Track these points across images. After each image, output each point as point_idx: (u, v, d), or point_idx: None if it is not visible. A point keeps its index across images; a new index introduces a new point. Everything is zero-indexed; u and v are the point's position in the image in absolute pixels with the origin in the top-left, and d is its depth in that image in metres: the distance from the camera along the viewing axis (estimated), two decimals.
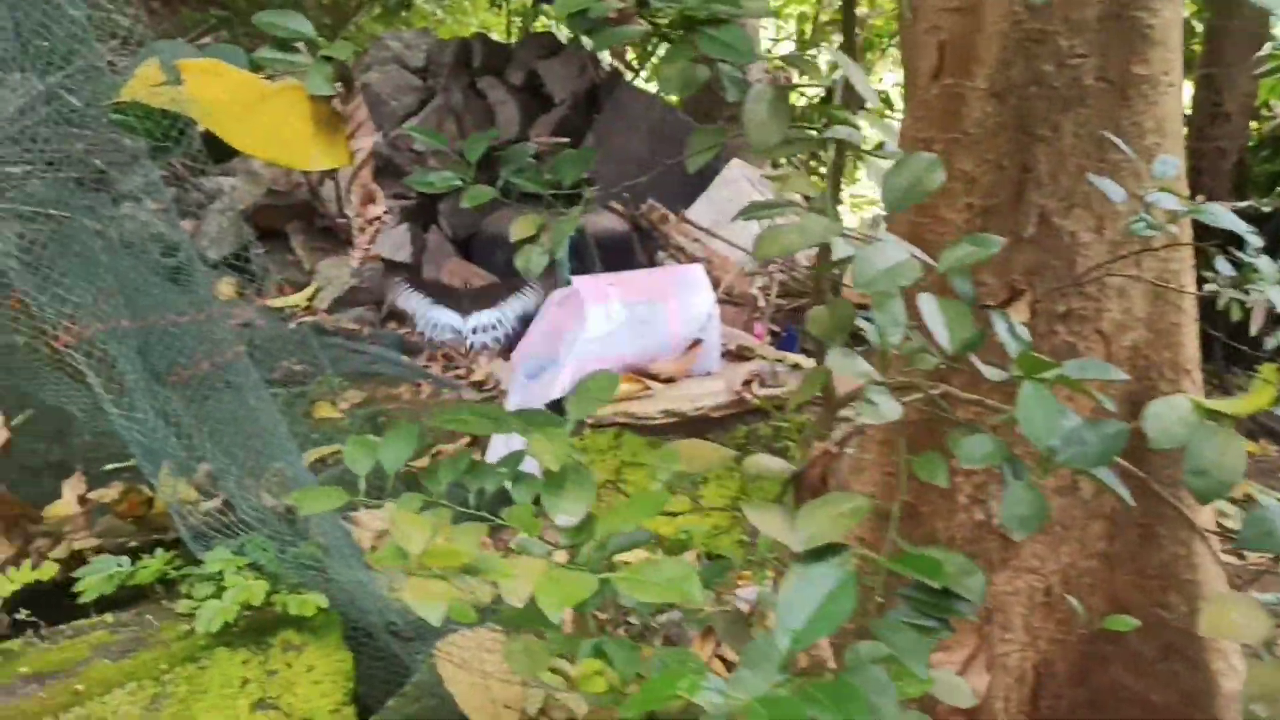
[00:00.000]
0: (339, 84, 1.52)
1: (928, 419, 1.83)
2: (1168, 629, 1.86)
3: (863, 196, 8.85)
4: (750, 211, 1.23)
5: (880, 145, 1.44)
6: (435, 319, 5.04)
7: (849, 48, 5.98)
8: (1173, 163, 1.52)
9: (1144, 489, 1.86)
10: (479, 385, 4.62)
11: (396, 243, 5.39)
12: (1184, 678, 1.86)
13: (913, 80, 1.96)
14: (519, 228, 1.46)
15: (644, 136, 5.71)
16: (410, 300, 5.10)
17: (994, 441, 1.14)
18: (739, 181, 5.62)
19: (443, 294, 5.08)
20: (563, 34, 6.63)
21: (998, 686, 1.97)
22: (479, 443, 4.01)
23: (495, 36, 7.94)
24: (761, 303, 5.24)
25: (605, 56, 6.80)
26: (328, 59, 1.49)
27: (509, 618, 1.24)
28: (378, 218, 1.62)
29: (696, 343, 3.39)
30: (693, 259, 5.25)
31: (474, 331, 4.98)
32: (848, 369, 1.09)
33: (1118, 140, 1.66)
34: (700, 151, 1.45)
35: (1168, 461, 1.84)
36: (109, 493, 2.51)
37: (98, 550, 2.31)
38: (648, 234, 5.47)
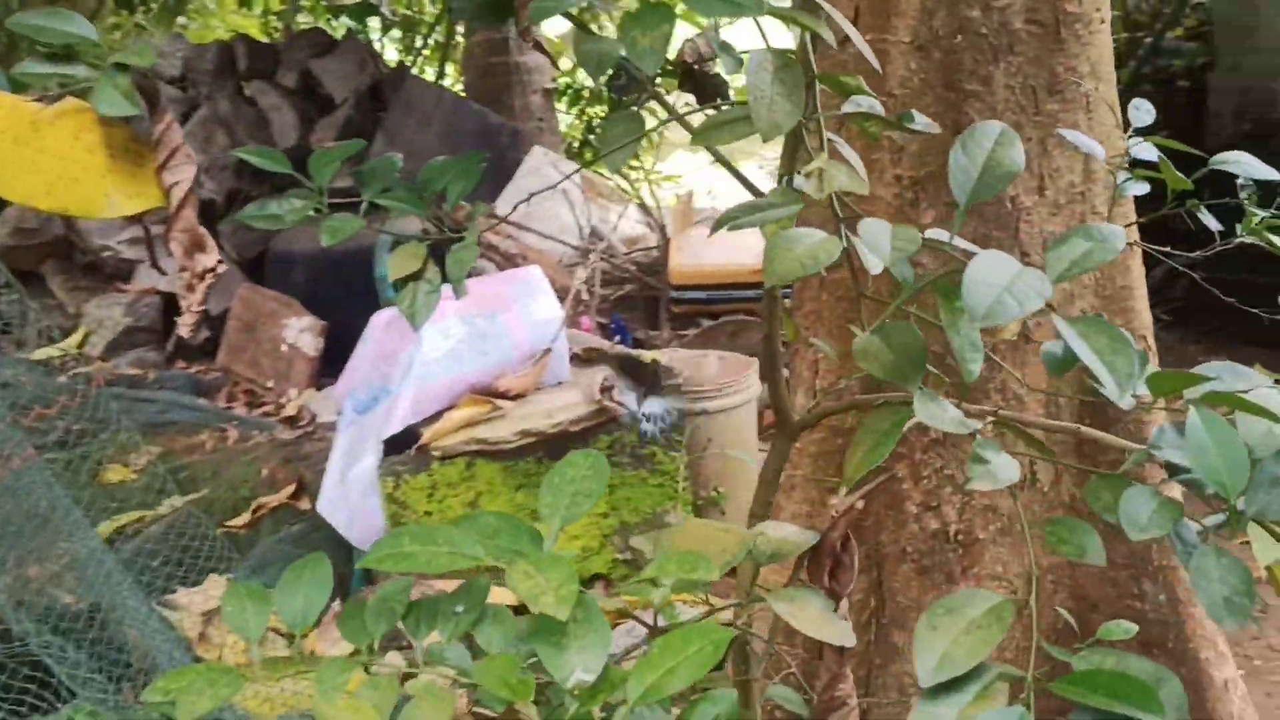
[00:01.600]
0: (141, 101, 1.13)
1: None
2: (1145, 621, 1.70)
3: (665, 174, 8.65)
4: (735, 217, 0.94)
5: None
6: None
7: None
8: (1146, 108, 1.33)
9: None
10: (292, 421, 4.17)
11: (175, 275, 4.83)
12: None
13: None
14: (400, 262, 1.13)
15: (437, 132, 5.32)
16: None
17: (1159, 498, 0.90)
18: (543, 169, 5.32)
19: None
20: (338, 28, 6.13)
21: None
22: (304, 487, 3.59)
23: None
24: (585, 295, 4.96)
25: (388, 50, 6.34)
26: (122, 67, 1.10)
27: None
28: (210, 269, 1.25)
29: (545, 352, 3.08)
30: (507, 256, 4.92)
31: None
32: (939, 418, 0.83)
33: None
34: (619, 145, 1.15)
35: (1131, 435, 1.67)
36: None
37: None
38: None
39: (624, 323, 4.90)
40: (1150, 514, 0.88)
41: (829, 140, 1.02)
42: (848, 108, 1.01)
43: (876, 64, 1.15)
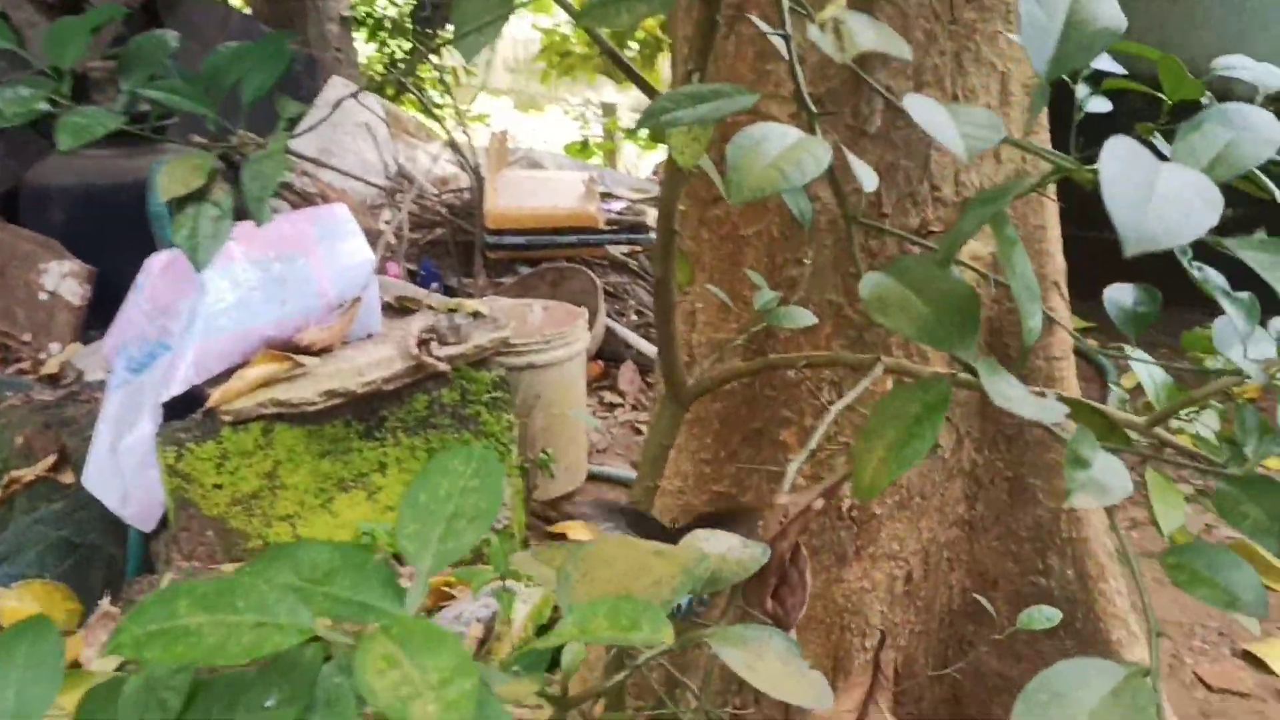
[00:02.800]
0: None
1: (750, 395, 1.35)
2: (1051, 599, 1.53)
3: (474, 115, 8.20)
4: (665, 110, 0.66)
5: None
6: None
7: None
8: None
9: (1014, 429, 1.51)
10: (53, 381, 3.65)
11: None
12: (1075, 654, 1.54)
13: None
14: (176, 177, 0.80)
15: None
16: None
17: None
18: (345, 101, 4.86)
19: None
20: None
21: (851, 699, 1.57)
22: (67, 457, 3.11)
23: None
24: (392, 239, 4.57)
25: None
26: None
27: None
28: None
29: (354, 301, 2.72)
30: (304, 196, 4.47)
31: None
32: (1015, 400, 0.58)
33: None
34: (477, 26, 0.86)
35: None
36: None
37: None
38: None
39: (436, 269, 4.55)
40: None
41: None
42: None
43: None
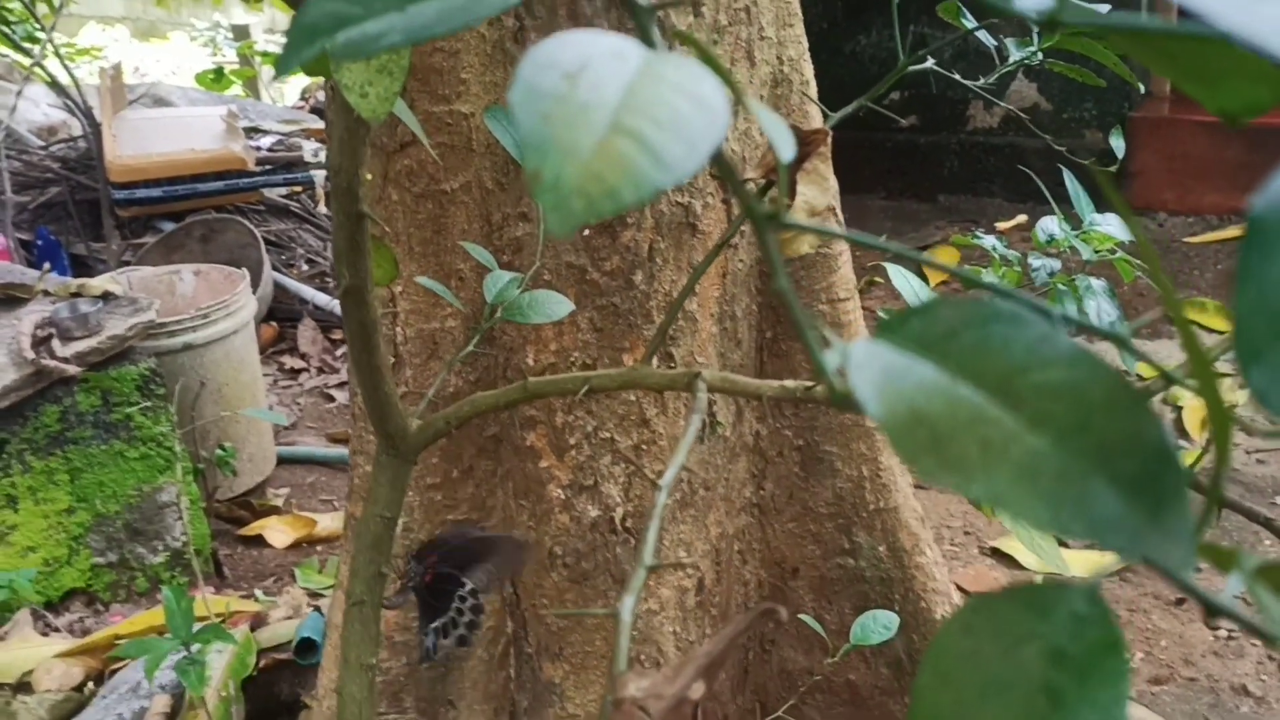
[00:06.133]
0: None
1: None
2: (863, 581, 1.31)
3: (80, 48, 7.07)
4: None
5: None
6: None
7: None
8: None
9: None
10: None
11: None
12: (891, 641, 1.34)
13: None
14: None
15: None
16: None
17: None
18: None
19: None
20: None
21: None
22: None
23: None
24: None
25: None
26: None
27: None
28: None
29: None
30: None
31: None
32: None
33: None
34: None
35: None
36: None
37: None
38: None
39: (54, 237, 3.82)
40: None
41: None
42: None
43: None
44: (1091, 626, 0.25)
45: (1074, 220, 1.41)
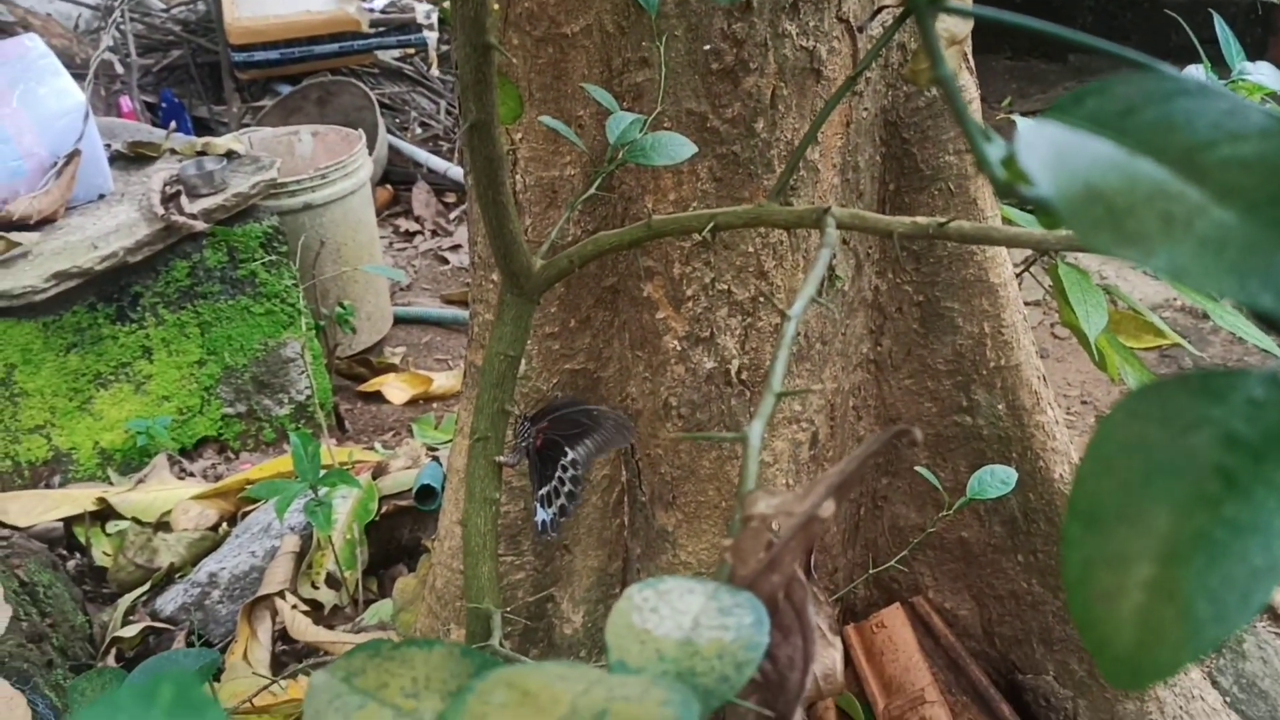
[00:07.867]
0: None
1: None
2: (980, 440, 1.30)
3: None
4: None
5: None
6: None
7: None
8: None
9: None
10: None
11: None
12: (1007, 497, 1.32)
13: None
14: None
15: None
16: None
17: None
18: None
19: None
20: None
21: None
22: None
23: None
24: (119, 69, 3.90)
25: None
26: None
27: None
28: None
29: (71, 156, 2.19)
30: None
31: None
32: None
33: None
34: None
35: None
36: None
37: None
38: None
39: (178, 100, 3.91)
40: None
41: None
42: None
43: None
44: (1270, 410, 0.24)
45: (1222, 72, 1.33)
